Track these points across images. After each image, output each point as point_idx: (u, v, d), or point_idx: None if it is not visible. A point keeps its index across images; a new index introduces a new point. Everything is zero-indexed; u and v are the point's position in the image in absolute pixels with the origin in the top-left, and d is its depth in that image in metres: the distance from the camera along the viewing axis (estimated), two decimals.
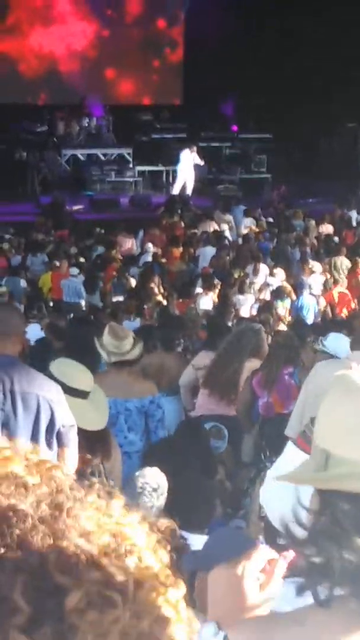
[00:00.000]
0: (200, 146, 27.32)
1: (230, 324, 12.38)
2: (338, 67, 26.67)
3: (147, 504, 4.93)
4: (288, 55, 27.22)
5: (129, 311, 14.08)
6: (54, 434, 5.27)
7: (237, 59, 27.95)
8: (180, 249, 20.23)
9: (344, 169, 26.14)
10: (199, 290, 16.36)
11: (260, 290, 16.85)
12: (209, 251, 19.62)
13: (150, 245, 20.51)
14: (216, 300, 15.61)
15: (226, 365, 8.90)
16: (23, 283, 17.49)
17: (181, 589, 1.17)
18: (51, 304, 16.67)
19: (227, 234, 21.78)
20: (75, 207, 25.03)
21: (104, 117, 29.06)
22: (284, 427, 6.27)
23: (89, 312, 15.51)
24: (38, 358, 9.04)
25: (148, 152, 28.62)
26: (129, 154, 28.42)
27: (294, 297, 16.04)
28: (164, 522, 1.27)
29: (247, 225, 22.86)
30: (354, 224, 23.07)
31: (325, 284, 17.05)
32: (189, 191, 26.42)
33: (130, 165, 28.25)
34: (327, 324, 13.43)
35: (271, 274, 17.62)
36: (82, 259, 19.28)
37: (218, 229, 21.69)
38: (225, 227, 22.11)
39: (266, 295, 16.36)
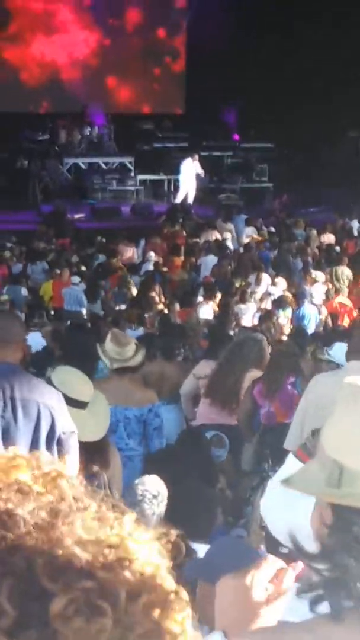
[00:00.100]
0: (202, 155, 27.32)
1: (231, 333, 12.36)
2: (340, 76, 26.72)
3: (147, 511, 4.93)
4: (290, 64, 27.25)
5: (130, 320, 14.06)
6: (54, 441, 5.26)
7: (239, 69, 27.98)
8: (182, 257, 20.23)
9: (346, 178, 26.13)
10: (200, 299, 16.35)
11: (261, 299, 16.84)
12: (211, 260, 19.62)
13: (151, 254, 20.50)
14: (216, 309, 15.60)
15: (228, 374, 8.88)
16: (24, 291, 17.48)
17: (186, 606, 1.16)
18: (52, 312, 16.66)
19: (229, 243, 21.78)
20: (77, 216, 25.05)
21: (105, 126, 29.11)
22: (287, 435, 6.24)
23: (90, 321, 15.49)
24: (39, 366, 9.04)
25: (150, 161, 28.65)
26: (130, 162, 28.44)
27: (295, 306, 16.03)
28: (174, 533, 1.26)
29: (249, 234, 22.86)
30: (356, 233, 23.07)
31: (327, 294, 17.03)
32: (190, 200, 26.43)
33: (132, 174, 28.29)
34: (329, 333, 13.41)
35: (273, 284, 17.61)
36: (83, 268, 19.28)
37: (220, 238, 21.69)
38: (227, 236, 22.12)
39: (267, 305, 16.35)
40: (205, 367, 9.28)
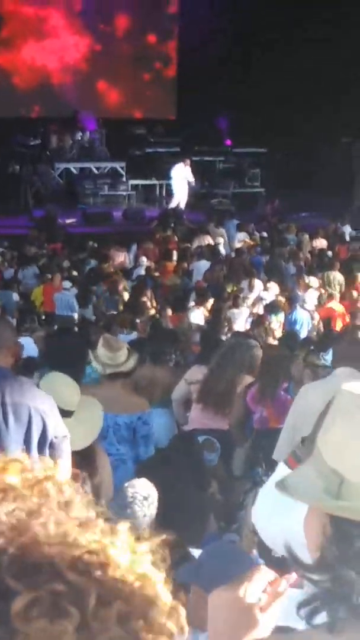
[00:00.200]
0: (194, 160, 27.34)
1: (224, 337, 12.34)
2: (333, 81, 26.76)
3: (138, 512, 4.92)
4: (282, 70, 27.25)
5: (123, 325, 14.02)
6: (46, 446, 5.25)
7: (232, 74, 28.03)
8: (174, 262, 20.22)
9: (338, 183, 26.15)
10: (192, 304, 16.34)
11: (253, 304, 16.84)
12: (203, 265, 19.61)
13: (144, 258, 20.49)
14: (207, 314, 15.59)
15: (219, 379, 8.85)
16: (15, 296, 17.44)
17: (177, 623, 1.15)
18: (44, 317, 16.63)
19: (222, 248, 21.78)
20: (68, 221, 25.04)
21: (97, 131, 29.09)
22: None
23: (78, 326, 15.45)
24: (31, 371, 9.03)
25: (141, 166, 28.65)
26: (122, 167, 28.43)
27: (288, 311, 16.02)
28: (168, 538, 1.24)
29: (241, 239, 22.86)
30: (348, 238, 23.08)
31: (319, 299, 17.02)
32: (182, 205, 26.43)
33: (124, 179, 28.29)
34: (321, 338, 13.41)
35: (265, 288, 17.61)
36: (74, 273, 19.26)
37: (212, 243, 21.68)
38: (220, 240, 22.12)
39: (259, 310, 16.34)
40: (197, 372, 9.25)
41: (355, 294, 17.27)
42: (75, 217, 25.52)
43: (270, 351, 10.16)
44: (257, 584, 1.92)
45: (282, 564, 2.43)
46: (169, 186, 27.28)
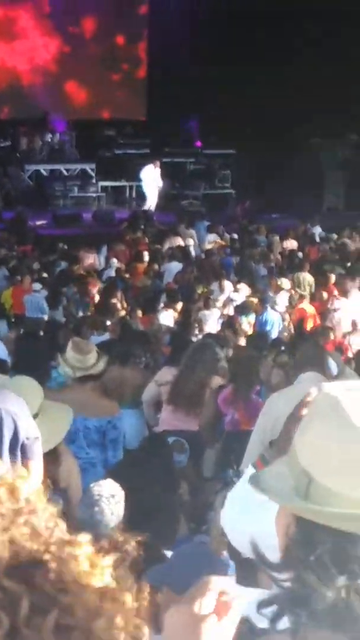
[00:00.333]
0: (164, 162, 27.33)
1: (194, 339, 12.34)
2: (301, 83, 26.80)
3: (105, 510, 4.91)
4: (252, 71, 27.27)
5: (94, 326, 13.98)
6: (18, 447, 5.21)
7: (202, 75, 28.02)
8: (145, 264, 20.18)
9: (308, 185, 26.23)
10: (162, 305, 16.33)
11: (224, 305, 16.84)
12: (175, 267, 19.58)
13: (114, 260, 20.45)
14: (176, 315, 15.57)
15: (188, 380, 8.86)
16: None
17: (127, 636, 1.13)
18: (13, 319, 16.56)
19: (192, 249, 21.77)
20: (38, 222, 24.96)
21: (67, 133, 29.07)
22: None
23: (49, 329, 15.37)
24: (1, 373, 8.99)
25: (111, 168, 28.62)
26: (92, 169, 28.38)
27: (259, 312, 16.03)
28: (133, 539, 1.23)
29: (211, 240, 22.86)
30: (317, 239, 23.13)
31: (290, 300, 17.05)
32: (152, 207, 26.42)
33: (94, 181, 28.25)
34: (292, 339, 13.44)
35: (235, 290, 17.62)
36: (44, 274, 19.18)
37: (183, 244, 21.66)
38: (190, 242, 22.10)
39: (230, 311, 16.34)
40: (167, 374, 9.25)
41: (325, 295, 17.30)
42: (45, 219, 25.45)
43: (240, 352, 10.18)
44: (210, 596, 1.90)
45: (252, 565, 2.43)
46: (139, 187, 27.28)
